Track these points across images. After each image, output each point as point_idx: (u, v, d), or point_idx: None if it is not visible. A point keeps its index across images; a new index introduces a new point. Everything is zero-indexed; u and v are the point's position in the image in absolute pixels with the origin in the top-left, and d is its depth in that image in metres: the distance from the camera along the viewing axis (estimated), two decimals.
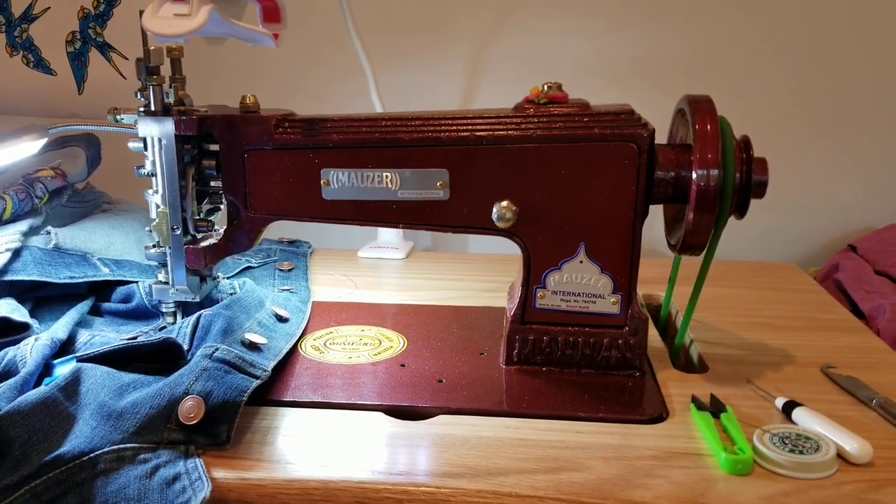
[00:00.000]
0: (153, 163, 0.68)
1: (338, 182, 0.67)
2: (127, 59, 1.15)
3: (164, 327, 0.72)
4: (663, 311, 0.81)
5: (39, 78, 1.17)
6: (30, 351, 0.60)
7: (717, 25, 1.06)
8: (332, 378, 0.66)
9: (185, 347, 0.64)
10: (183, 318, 0.72)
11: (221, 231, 0.70)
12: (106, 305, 0.76)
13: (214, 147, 0.69)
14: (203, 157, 0.69)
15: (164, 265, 0.71)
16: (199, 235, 0.70)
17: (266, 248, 0.96)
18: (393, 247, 1.03)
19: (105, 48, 1.15)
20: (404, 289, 0.91)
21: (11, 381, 0.56)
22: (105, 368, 0.59)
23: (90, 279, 0.75)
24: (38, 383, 0.59)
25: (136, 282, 0.77)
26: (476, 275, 0.95)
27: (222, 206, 0.72)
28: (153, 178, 0.69)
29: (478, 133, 0.65)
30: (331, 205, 0.68)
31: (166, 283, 0.71)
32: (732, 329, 0.77)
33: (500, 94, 1.09)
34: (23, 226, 0.74)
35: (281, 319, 0.73)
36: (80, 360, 0.60)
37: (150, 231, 0.70)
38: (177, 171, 0.67)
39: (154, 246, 0.70)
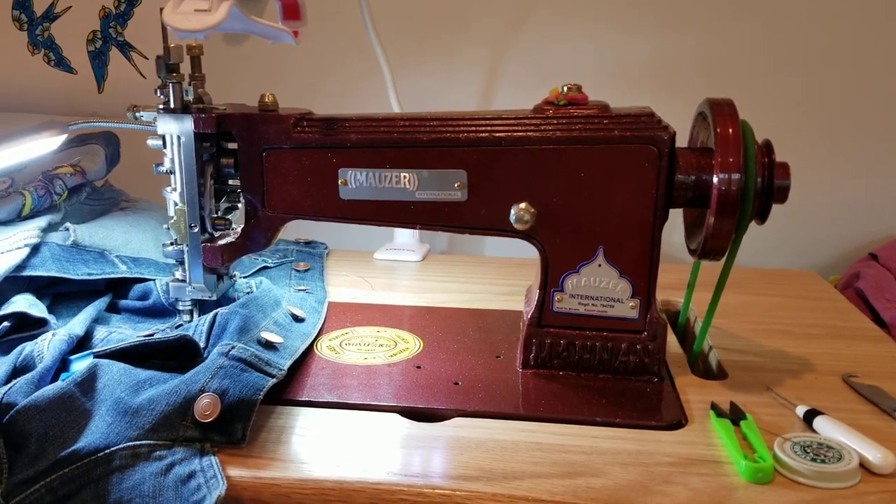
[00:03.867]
0: (172, 160, 0.68)
1: (355, 182, 0.67)
2: (147, 58, 1.15)
3: (181, 325, 0.72)
4: (682, 317, 0.81)
5: (60, 76, 1.18)
6: (47, 346, 0.60)
7: (737, 29, 1.05)
8: (347, 378, 0.65)
9: (202, 345, 0.64)
10: (199, 316, 0.72)
11: (239, 230, 0.70)
12: (123, 303, 0.77)
13: (233, 145, 0.69)
14: (221, 155, 0.69)
15: (181, 263, 0.71)
16: (217, 234, 0.70)
17: (283, 248, 0.96)
18: (409, 249, 1.03)
19: (125, 47, 1.16)
20: (420, 291, 0.90)
21: (28, 375, 0.56)
22: (121, 365, 0.59)
23: (108, 276, 0.76)
24: (54, 379, 0.59)
25: (154, 279, 0.77)
26: (493, 278, 0.95)
27: (240, 205, 0.72)
28: (171, 176, 0.69)
29: (497, 134, 0.64)
30: (348, 204, 0.67)
31: (183, 280, 0.71)
32: (752, 336, 0.76)
33: (517, 97, 1.09)
34: (42, 222, 0.75)
35: (297, 319, 0.73)
36: (97, 355, 0.60)
37: (168, 228, 0.70)
38: (195, 168, 0.67)
39: (172, 243, 0.70)
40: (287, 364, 0.62)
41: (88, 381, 0.57)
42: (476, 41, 1.10)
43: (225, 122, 0.67)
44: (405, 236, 1.06)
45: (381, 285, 0.92)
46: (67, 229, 0.77)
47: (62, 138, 0.71)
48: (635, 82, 1.09)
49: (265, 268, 0.89)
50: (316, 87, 1.15)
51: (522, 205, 0.64)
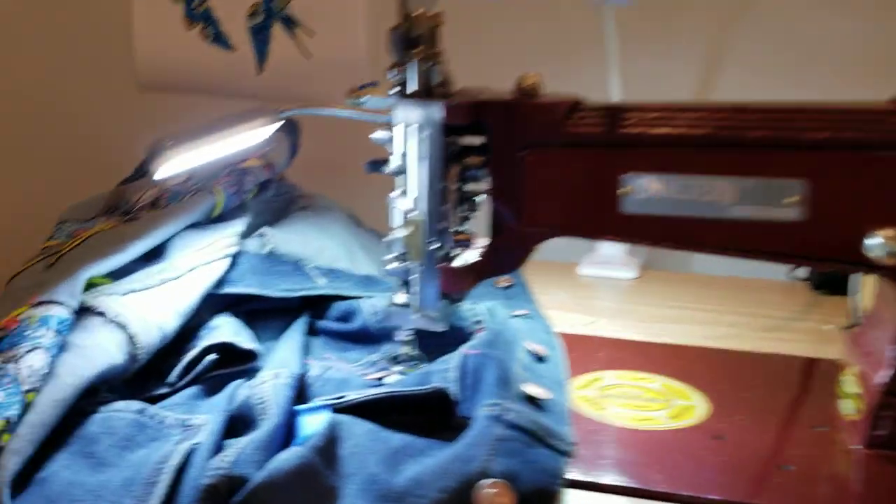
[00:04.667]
0: (404, 157, 0.54)
1: (645, 191, 0.51)
2: (313, 34, 1.03)
3: (401, 359, 0.58)
4: None
5: (216, 53, 1.07)
6: (269, 392, 0.47)
7: None
8: (628, 450, 0.50)
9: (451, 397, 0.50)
10: (417, 347, 0.58)
11: (479, 247, 0.55)
12: (322, 324, 0.64)
13: (477, 141, 0.55)
14: (465, 153, 0.54)
15: (403, 284, 0.57)
16: (454, 252, 0.55)
17: None
18: (620, 263, 0.87)
19: (289, 23, 1.04)
20: (651, 320, 0.74)
21: (256, 437, 0.43)
22: (367, 425, 0.46)
23: (306, 293, 0.63)
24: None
25: (356, 298, 0.64)
26: (733, 305, 0.78)
27: (472, 216, 0.58)
28: (400, 178, 0.55)
29: (847, 134, 0.48)
30: (632, 221, 0.52)
31: (407, 306, 0.57)
32: None
33: (746, 84, 0.91)
34: (239, 226, 0.62)
35: (539, 359, 0.58)
36: (335, 409, 0.47)
37: (390, 243, 0.56)
38: (440, 170, 0.53)
39: (397, 260, 0.56)
40: (570, 433, 0.47)
41: (329, 448, 0.43)
42: (694, 21, 0.93)
43: (480, 112, 0.52)
44: (610, 247, 0.90)
45: (598, 310, 0.77)
46: (262, 235, 0.64)
47: (276, 127, 0.59)
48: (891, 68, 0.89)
49: None
50: (509, 61, 0.98)
51: (890, 232, 0.47)
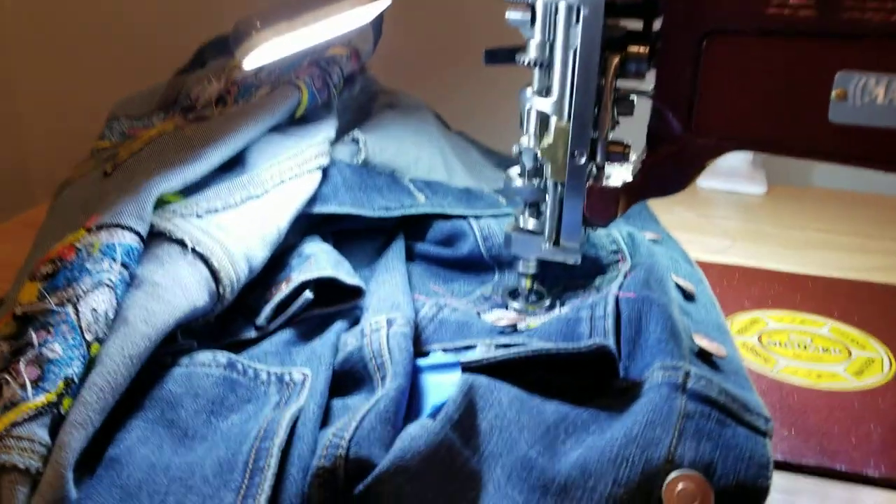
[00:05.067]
0: (546, 46, 0.42)
1: (866, 95, 0.39)
2: None
3: (518, 292, 0.49)
4: None
5: None
6: (385, 343, 0.38)
7: None
8: (814, 418, 0.41)
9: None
10: (538, 281, 0.49)
11: (638, 163, 0.44)
12: (421, 248, 0.54)
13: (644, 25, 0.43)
14: (628, 40, 0.43)
15: (531, 206, 0.47)
16: (606, 168, 0.45)
17: None
18: (745, 176, 0.75)
19: None
20: (797, 245, 0.64)
21: (378, 405, 0.34)
22: (511, 390, 0.37)
23: (407, 211, 0.53)
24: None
25: (466, 218, 0.54)
26: (885, 229, 0.66)
27: (618, 121, 0.46)
28: (539, 71, 0.43)
29: None
30: (842, 133, 0.40)
31: (537, 233, 0.47)
32: None
33: None
34: (330, 129, 0.52)
35: (686, 296, 0.48)
36: (466, 368, 0.38)
37: (521, 153, 0.46)
38: (596, 62, 0.41)
39: (526, 175, 0.46)
40: (762, 405, 0.37)
41: (467, 420, 0.35)
42: None
43: None
44: (734, 158, 0.77)
45: (728, 232, 0.66)
46: (356, 141, 0.53)
47: (384, 4, 0.47)
48: None
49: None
50: None
51: None
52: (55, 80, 1.00)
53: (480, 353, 0.40)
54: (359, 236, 0.54)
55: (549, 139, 0.43)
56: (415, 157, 0.57)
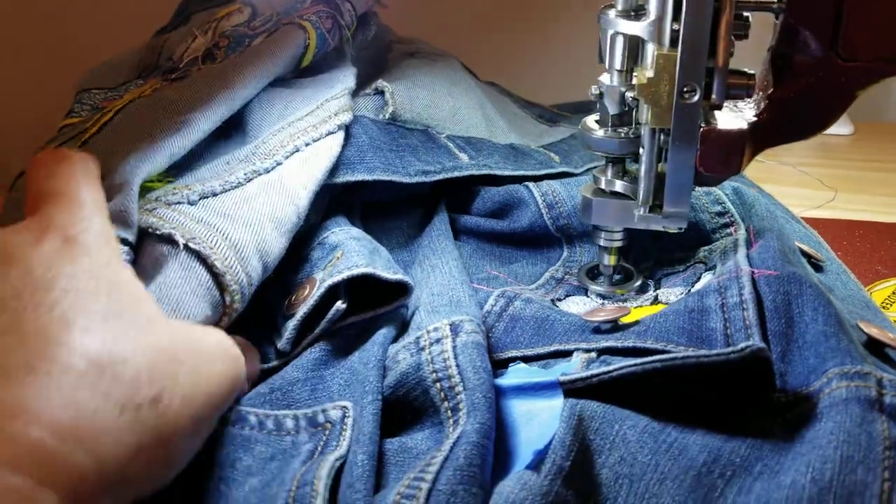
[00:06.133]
0: None
1: None
2: None
3: (597, 271, 0.39)
4: None
5: None
6: (453, 359, 0.28)
7: None
8: None
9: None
10: (620, 257, 0.39)
11: (765, 99, 0.34)
12: (467, 221, 0.44)
13: None
14: None
15: (614, 162, 0.37)
16: (723, 108, 0.34)
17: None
18: None
19: None
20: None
21: (456, 451, 0.24)
22: (640, 420, 0.27)
23: (450, 175, 0.42)
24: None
25: (520, 181, 0.44)
26: None
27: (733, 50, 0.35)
28: None
29: None
30: None
31: (627, 196, 0.36)
32: None
33: None
34: (348, 78, 0.41)
35: (816, 267, 0.38)
36: (568, 390, 0.28)
37: (602, 94, 0.35)
38: None
39: (606, 125, 0.35)
40: None
41: (583, 467, 0.25)
42: None
43: None
44: None
45: (827, 179, 0.56)
46: (381, 92, 0.43)
47: None
48: None
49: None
50: None
51: None
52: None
53: (579, 364, 0.30)
54: (388, 210, 0.44)
55: (647, 73, 0.32)
56: (451, 109, 0.46)
